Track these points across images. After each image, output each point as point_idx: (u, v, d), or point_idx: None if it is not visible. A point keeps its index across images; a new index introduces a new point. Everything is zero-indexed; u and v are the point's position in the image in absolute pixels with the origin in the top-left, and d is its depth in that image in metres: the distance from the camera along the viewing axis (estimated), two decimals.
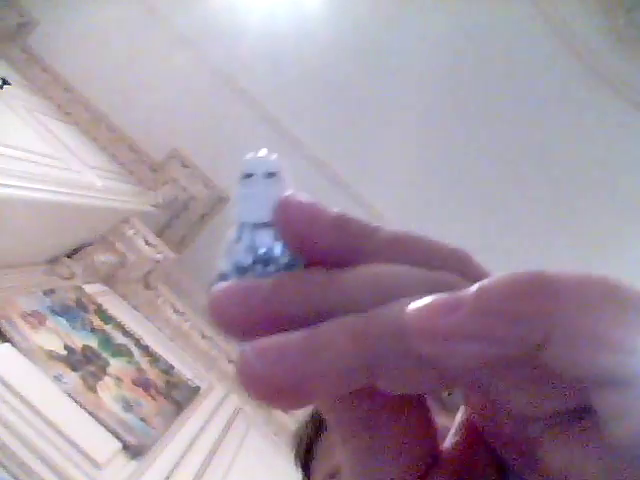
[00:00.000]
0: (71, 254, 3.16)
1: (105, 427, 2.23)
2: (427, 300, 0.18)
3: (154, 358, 3.03)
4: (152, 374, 2.87)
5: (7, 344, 2.22)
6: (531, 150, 3.82)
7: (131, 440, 2.25)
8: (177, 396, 2.86)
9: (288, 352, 0.19)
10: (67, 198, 2.63)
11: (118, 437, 2.23)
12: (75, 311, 2.80)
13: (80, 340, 2.60)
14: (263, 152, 0.22)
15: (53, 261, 3.05)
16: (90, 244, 3.26)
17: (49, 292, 2.72)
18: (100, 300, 3.10)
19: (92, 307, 2.97)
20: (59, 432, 2.00)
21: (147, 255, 3.50)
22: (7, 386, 2.01)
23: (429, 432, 0.23)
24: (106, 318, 2.99)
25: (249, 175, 0.22)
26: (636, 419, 0.16)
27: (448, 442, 0.24)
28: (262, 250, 0.21)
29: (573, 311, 0.17)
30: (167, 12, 3.99)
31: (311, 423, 0.64)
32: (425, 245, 0.21)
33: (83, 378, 2.36)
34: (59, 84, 4.05)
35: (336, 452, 0.57)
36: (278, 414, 3.63)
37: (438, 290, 0.19)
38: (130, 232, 3.41)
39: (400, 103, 3.87)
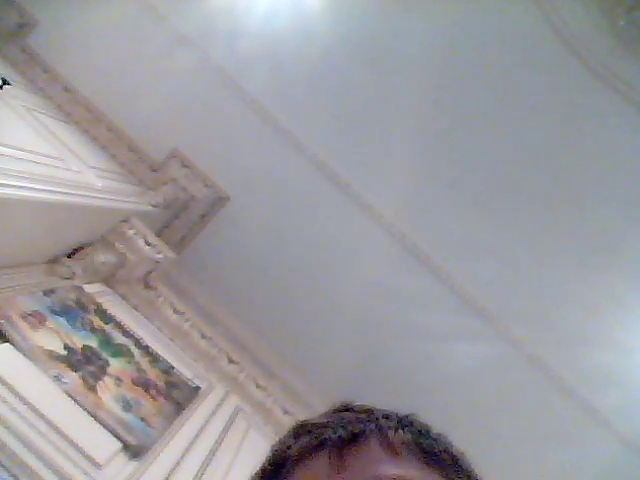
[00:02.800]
0: (71, 254, 3.16)
1: (105, 427, 2.23)
2: None
3: (154, 358, 3.03)
4: (152, 374, 2.87)
5: (7, 344, 2.22)
6: (530, 149, 3.81)
7: (131, 440, 2.25)
8: (177, 396, 2.86)
9: None
10: (67, 198, 2.63)
11: (118, 437, 2.23)
12: (75, 311, 2.80)
13: (80, 340, 2.60)
14: None
15: (53, 261, 3.05)
16: (90, 244, 3.26)
17: (49, 292, 2.72)
18: (100, 300, 3.10)
19: (92, 307, 2.97)
20: (59, 432, 2.00)
21: (147, 255, 3.50)
22: (7, 386, 2.01)
23: None
24: (106, 318, 2.98)
25: None
26: None
27: None
28: None
29: None
30: (167, 12, 3.98)
31: (269, 469, 0.63)
32: None
33: (83, 378, 2.36)
34: (59, 84, 4.05)
35: None
36: (278, 414, 3.64)
37: None
38: (130, 232, 3.41)
39: (400, 103, 3.87)
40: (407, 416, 0.64)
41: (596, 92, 3.56)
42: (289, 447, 0.61)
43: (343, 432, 0.59)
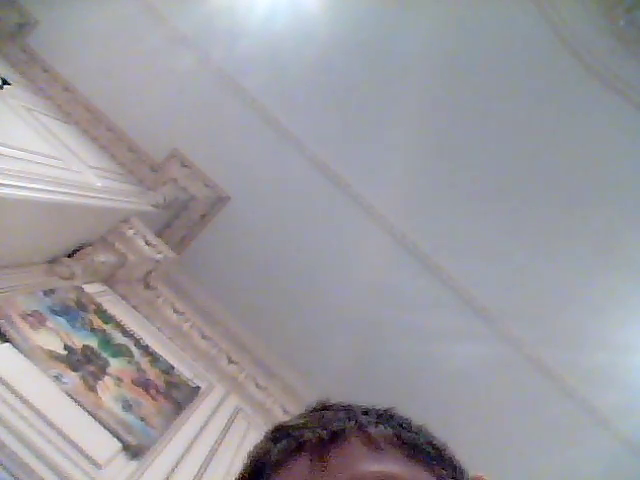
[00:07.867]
0: (71, 254, 3.16)
1: (105, 427, 2.23)
2: None
3: (154, 358, 3.03)
4: (152, 374, 2.87)
5: (7, 344, 2.22)
6: (530, 150, 3.81)
7: (131, 440, 2.25)
8: (177, 396, 2.86)
9: None
10: (67, 198, 2.63)
11: (118, 437, 2.23)
12: (75, 311, 2.80)
13: (80, 340, 2.60)
14: None
15: (53, 261, 3.05)
16: (90, 244, 3.26)
17: (49, 292, 2.72)
18: (100, 300, 3.10)
19: (92, 307, 2.97)
20: (59, 432, 2.00)
21: (147, 255, 3.50)
22: (7, 386, 2.01)
23: None
24: (106, 318, 2.98)
25: None
26: None
27: None
28: None
29: None
30: (167, 12, 3.98)
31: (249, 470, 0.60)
32: None
33: (83, 378, 2.36)
34: (59, 84, 4.05)
35: None
36: (278, 414, 3.64)
37: None
38: (130, 232, 3.41)
39: (400, 103, 3.87)
40: (387, 410, 0.63)
41: (596, 92, 3.56)
42: (267, 452, 0.59)
43: (322, 432, 0.57)
